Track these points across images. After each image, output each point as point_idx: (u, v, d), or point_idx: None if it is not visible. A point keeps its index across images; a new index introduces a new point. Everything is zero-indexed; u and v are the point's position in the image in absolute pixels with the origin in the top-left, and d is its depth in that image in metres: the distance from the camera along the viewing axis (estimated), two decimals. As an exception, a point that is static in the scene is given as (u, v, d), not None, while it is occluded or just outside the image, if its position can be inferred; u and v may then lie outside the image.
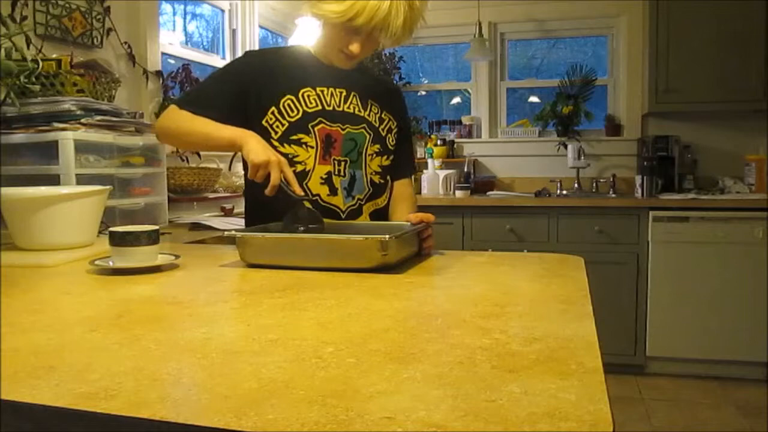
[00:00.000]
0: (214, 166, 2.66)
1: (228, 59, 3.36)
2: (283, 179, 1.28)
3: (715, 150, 3.72)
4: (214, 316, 0.83)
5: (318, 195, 1.45)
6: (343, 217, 1.48)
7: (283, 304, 0.90)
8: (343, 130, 1.49)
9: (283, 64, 1.51)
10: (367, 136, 1.53)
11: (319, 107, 1.47)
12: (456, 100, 4.45)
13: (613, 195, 3.64)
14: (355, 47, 1.40)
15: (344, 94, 1.51)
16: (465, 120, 4.22)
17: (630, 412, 2.82)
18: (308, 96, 1.47)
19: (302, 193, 1.32)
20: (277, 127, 1.45)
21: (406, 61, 4.28)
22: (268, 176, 1.27)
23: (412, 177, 1.70)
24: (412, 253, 1.28)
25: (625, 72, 3.88)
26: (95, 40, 2.29)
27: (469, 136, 4.20)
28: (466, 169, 3.98)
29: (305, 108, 1.46)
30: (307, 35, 3.41)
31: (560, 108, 3.90)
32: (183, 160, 2.70)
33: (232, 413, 0.49)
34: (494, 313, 0.80)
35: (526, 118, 4.20)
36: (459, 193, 3.68)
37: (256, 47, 3.50)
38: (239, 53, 3.41)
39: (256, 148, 1.29)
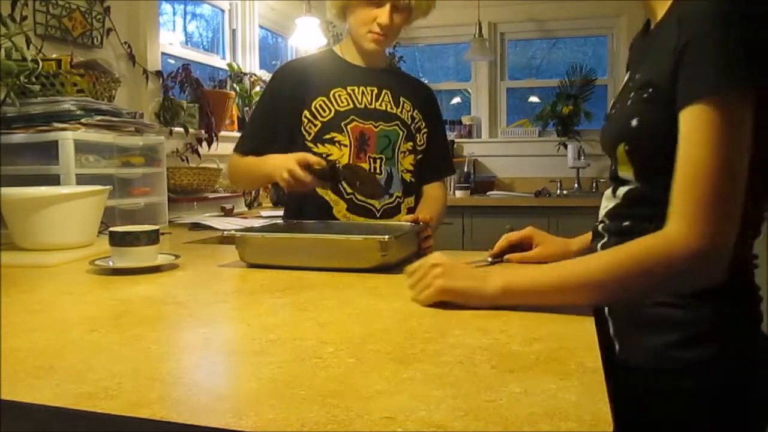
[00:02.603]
0: (214, 166, 2.65)
1: (228, 59, 3.35)
2: (307, 167, 1.29)
3: (715, 150, 3.72)
4: (214, 316, 0.83)
5: (353, 194, 1.45)
6: (378, 215, 1.47)
7: (283, 304, 0.90)
8: (376, 127, 1.49)
9: (311, 70, 1.53)
10: (401, 134, 1.53)
11: (351, 105, 1.48)
12: (456, 100, 4.45)
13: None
14: (383, 18, 1.41)
15: (375, 92, 1.51)
16: (465, 120, 4.22)
17: (630, 412, 2.81)
18: (339, 96, 1.48)
19: (324, 163, 1.32)
20: (310, 128, 1.46)
21: (406, 60, 4.28)
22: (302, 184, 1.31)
23: (445, 180, 1.70)
24: (411, 253, 1.28)
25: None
26: (95, 40, 2.29)
27: (469, 136, 4.20)
28: (466, 169, 3.98)
29: (337, 107, 1.47)
30: (307, 35, 3.41)
31: (560, 108, 3.91)
32: (183, 160, 2.70)
33: (232, 413, 0.49)
34: (494, 313, 0.80)
35: (526, 118, 4.20)
36: (459, 193, 3.68)
37: (256, 47, 3.49)
38: (239, 53, 3.41)
39: (276, 171, 1.33)
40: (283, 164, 1.32)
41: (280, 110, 1.51)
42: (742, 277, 0.84)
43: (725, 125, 0.73)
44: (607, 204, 0.93)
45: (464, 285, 0.83)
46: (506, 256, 1.19)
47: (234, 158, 1.57)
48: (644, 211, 0.84)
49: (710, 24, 0.74)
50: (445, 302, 0.84)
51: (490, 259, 1.19)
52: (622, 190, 0.89)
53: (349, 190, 1.45)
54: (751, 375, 0.82)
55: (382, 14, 1.41)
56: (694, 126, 0.74)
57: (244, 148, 1.55)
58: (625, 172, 0.87)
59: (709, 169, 0.73)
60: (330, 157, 1.44)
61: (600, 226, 0.94)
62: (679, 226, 0.73)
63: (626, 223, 0.88)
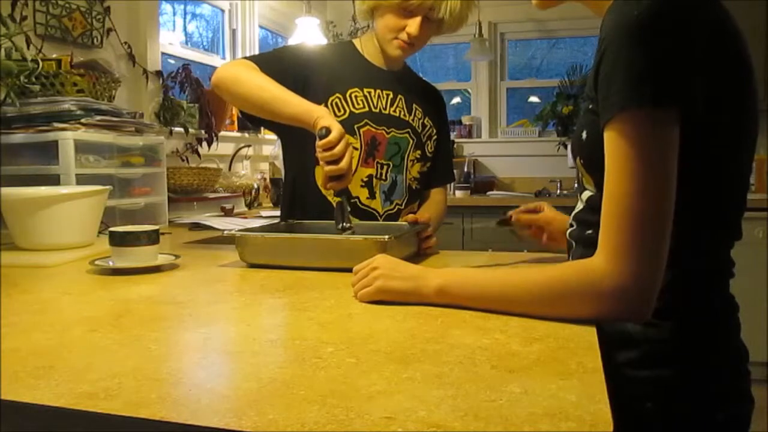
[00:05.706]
0: (214, 166, 2.66)
1: (228, 59, 3.35)
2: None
3: (715, 150, 3.71)
4: (214, 316, 0.83)
5: (357, 197, 1.44)
6: (381, 221, 1.47)
7: (283, 304, 0.90)
8: (388, 133, 1.48)
9: (333, 61, 1.50)
10: (411, 141, 1.51)
11: (366, 109, 1.46)
12: (456, 100, 4.45)
13: (613, 195, 3.64)
14: (412, 28, 1.37)
15: (391, 96, 1.49)
16: (465, 120, 4.22)
17: (630, 412, 2.81)
18: (356, 96, 1.46)
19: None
20: None
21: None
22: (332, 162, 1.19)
23: (447, 185, 1.69)
24: (411, 253, 1.28)
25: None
26: (95, 40, 2.29)
27: (469, 136, 4.20)
28: (466, 169, 3.98)
29: (352, 109, 1.45)
30: (307, 35, 3.41)
31: (560, 108, 3.90)
32: (183, 160, 2.70)
33: (232, 413, 0.49)
34: (494, 314, 0.80)
35: (526, 118, 4.20)
36: (459, 193, 3.68)
37: (256, 47, 3.49)
38: (239, 53, 3.40)
39: (335, 121, 1.21)
40: (337, 126, 1.19)
41: (297, 75, 1.41)
42: (710, 290, 0.82)
43: (640, 147, 0.69)
44: (576, 206, 0.92)
45: (401, 286, 0.86)
46: (511, 212, 1.21)
47: (247, 63, 1.38)
48: None
49: (619, 36, 0.70)
50: (448, 304, 0.84)
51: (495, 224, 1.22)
52: (585, 195, 0.88)
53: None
54: (717, 396, 0.79)
55: (413, 25, 1.37)
56: (610, 150, 0.71)
57: (268, 63, 1.38)
58: (587, 183, 0.86)
59: (629, 204, 0.69)
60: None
61: (569, 232, 0.93)
62: (602, 261, 0.71)
63: (589, 232, 0.85)
